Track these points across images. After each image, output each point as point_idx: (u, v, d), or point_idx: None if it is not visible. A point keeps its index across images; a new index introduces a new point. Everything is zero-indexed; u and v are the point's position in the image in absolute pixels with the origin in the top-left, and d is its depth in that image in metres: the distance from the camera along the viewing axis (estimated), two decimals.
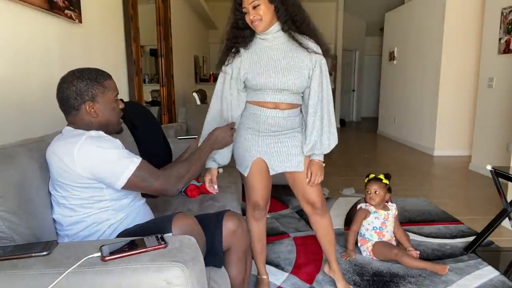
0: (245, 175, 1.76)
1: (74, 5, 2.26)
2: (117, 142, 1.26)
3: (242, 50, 1.64)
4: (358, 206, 2.42)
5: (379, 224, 2.33)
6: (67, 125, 1.31)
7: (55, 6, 2.05)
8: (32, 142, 1.33)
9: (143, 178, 1.23)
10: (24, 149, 1.25)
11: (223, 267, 1.41)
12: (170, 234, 1.13)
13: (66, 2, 2.15)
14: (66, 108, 1.28)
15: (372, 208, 2.34)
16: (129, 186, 1.22)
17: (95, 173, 1.19)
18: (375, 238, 2.33)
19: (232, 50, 1.64)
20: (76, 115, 1.28)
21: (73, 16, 2.25)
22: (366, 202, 2.39)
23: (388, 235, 2.35)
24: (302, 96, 1.72)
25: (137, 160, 1.24)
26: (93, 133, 1.25)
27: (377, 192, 2.32)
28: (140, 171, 1.22)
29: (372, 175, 2.40)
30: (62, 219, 1.26)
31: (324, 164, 1.75)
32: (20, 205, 1.14)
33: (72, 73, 1.28)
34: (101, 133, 1.28)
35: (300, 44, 1.62)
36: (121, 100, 1.37)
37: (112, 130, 1.37)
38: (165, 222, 1.20)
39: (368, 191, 2.35)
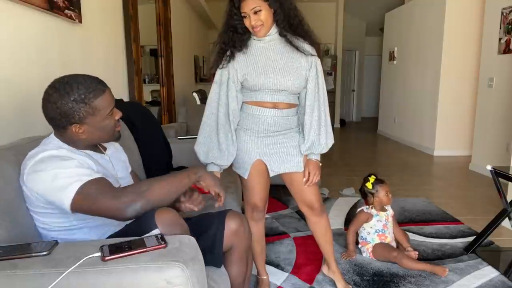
0: (245, 178, 1.73)
1: (74, 5, 2.26)
2: (74, 161, 1.14)
3: (236, 53, 1.62)
4: (359, 209, 2.40)
5: (381, 227, 2.32)
6: (54, 133, 1.23)
7: (55, 6, 2.04)
8: (23, 144, 1.30)
9: (87, 195, 1.07)
10: (12, 152, 1.21)
11: (222, 266, 1.41)
12: (157, 229, 1.10)
13: (66, 2, 2.15)
14: (52, 125, 1.20)
15: (373, 211, 2.33)
16: (77, 207, 1.10)
17: (43, 195, 1.11)
18: (377, 241, 2.32)
19: (227, 54, 1.63)
20: (64, 132, 1.20)
21: (73, 16, 2.25)
22: (370, 204, 2.36)
23: (389, 237, 2.34)
24: (298, 97, 1.72)
25: (86, 178, 1.10)
26: (48, 153, 1.12)
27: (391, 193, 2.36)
28: (85, 188, 1.08)
29: (373, 177, 2.37)
30: (44, 228, 1.21)
31: (320, 164, 1.75)
32: (0, 213, 1.09)
33: (55, 90, 1.14)
34: (63, 151, 1.16)
35: (297, 48, 1.63)
36: (121, 100, 1.33)
37: (106, 142, 1.33)
38: (149, 218, 1.14)
39: (387, 192, 2.32)
